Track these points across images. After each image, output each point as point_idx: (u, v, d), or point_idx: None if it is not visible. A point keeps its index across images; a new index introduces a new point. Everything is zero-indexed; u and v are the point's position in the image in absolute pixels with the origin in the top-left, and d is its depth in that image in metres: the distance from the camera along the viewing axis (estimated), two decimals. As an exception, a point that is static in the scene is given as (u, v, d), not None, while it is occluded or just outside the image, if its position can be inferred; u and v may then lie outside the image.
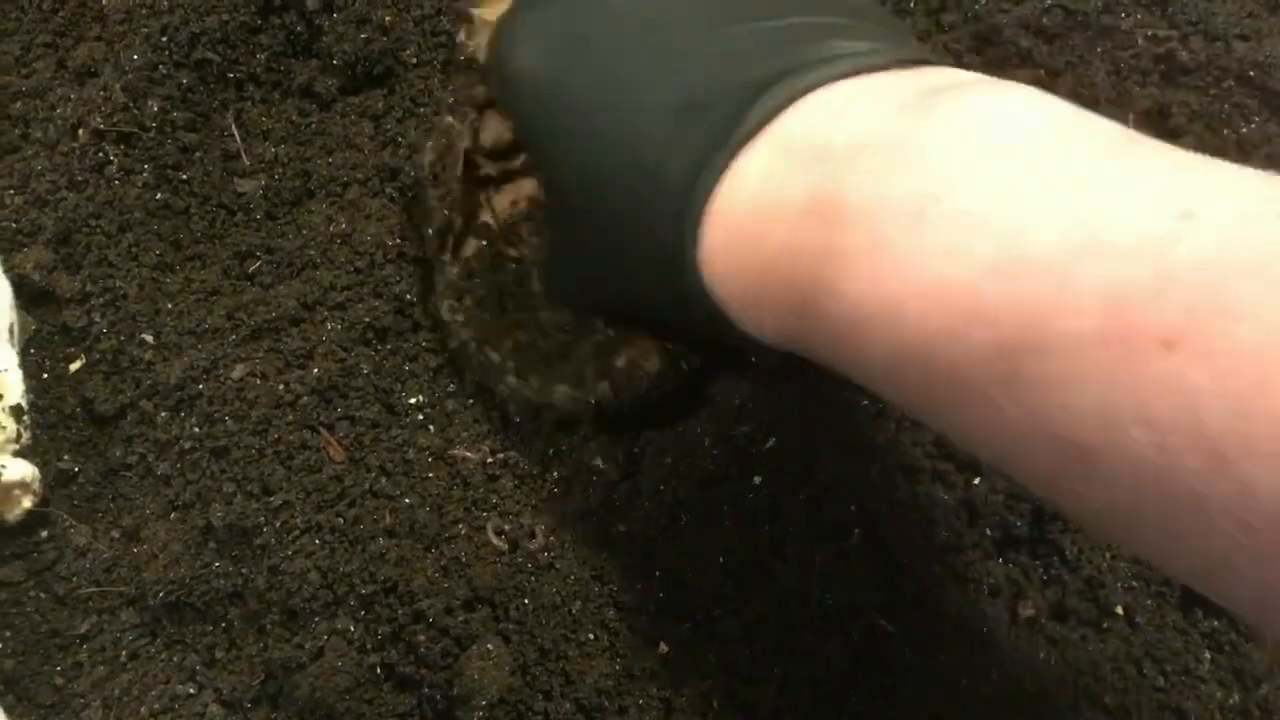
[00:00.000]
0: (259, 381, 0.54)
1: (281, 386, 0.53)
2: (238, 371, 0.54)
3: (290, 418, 0.53)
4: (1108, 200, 0.28)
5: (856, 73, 0.37)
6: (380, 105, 0.66)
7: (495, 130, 0.54)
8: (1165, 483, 0.26)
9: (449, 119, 0.55)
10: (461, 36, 0.57)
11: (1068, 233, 0.28)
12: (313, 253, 0.59)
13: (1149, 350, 0.26)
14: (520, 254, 0.54)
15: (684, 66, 0.40)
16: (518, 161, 0.54)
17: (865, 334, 0.33)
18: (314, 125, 0.65)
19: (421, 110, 0.63)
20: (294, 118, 0.65)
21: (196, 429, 0.53)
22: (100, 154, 0.60)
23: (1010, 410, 0.29)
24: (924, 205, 0.31)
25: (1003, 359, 0.29)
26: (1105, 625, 0.50)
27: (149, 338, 0.56)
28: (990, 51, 0.61)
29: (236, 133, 0.63)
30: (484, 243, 0.55)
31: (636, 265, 0.42)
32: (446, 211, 0.54)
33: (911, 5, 0.62)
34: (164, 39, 0.62)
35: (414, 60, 0.66)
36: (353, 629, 0.50)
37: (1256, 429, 0.24)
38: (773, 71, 0.37)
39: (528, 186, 0.54)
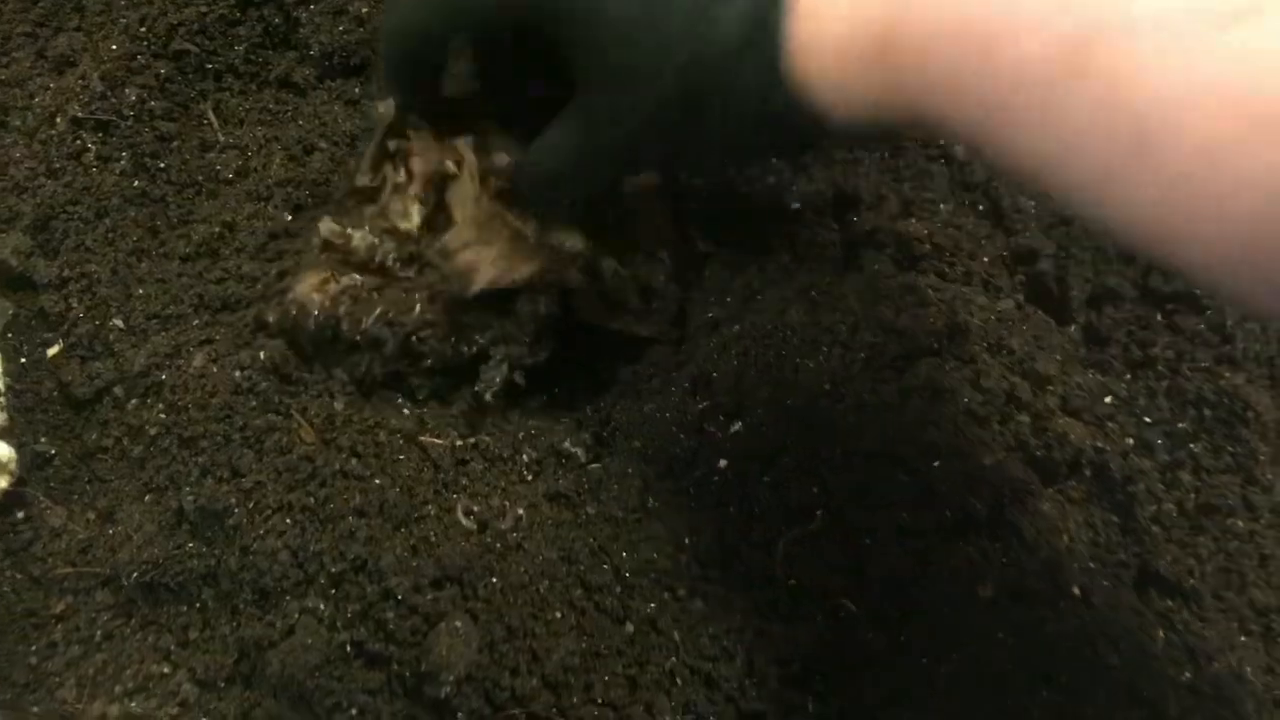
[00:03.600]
0: (216, 369, 0.54)
1: (238, 373, 0.54)
2: (198, 360, 0.55)
3: (253, 403, 0.54)
4: None
5: None
6: (356, 91, 0.67)
7: None
8: (1214, 164, 0.28)
9: None
10: None
11: None
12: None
13: (1218, 24, 0.27)
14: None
15: None
16: None
17: (937, 48, 0.35)
18: (289, 112, 0.66)
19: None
20: (271, 106, 0.66)
21: (163, 415, 0.54)
22: (78, 142, 0.60)
23: (1074, 106, 0.31)
24: None
25: (1073, 53, 0.31)
26: (1062, 606, 0.51)
27: (119, 323, 0.57)
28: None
29: (214, 121, 0.64)
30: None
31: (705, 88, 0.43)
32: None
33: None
34: (142, 29, 0.63)
35: (391, 51, 0.67)
36: (323, 607, 0.51)
37: None
38: None
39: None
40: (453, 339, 0.56)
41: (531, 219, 0.57)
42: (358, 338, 0.55)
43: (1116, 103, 0.30)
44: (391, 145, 0.59)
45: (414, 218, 0.56)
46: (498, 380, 0.56)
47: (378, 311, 0.55)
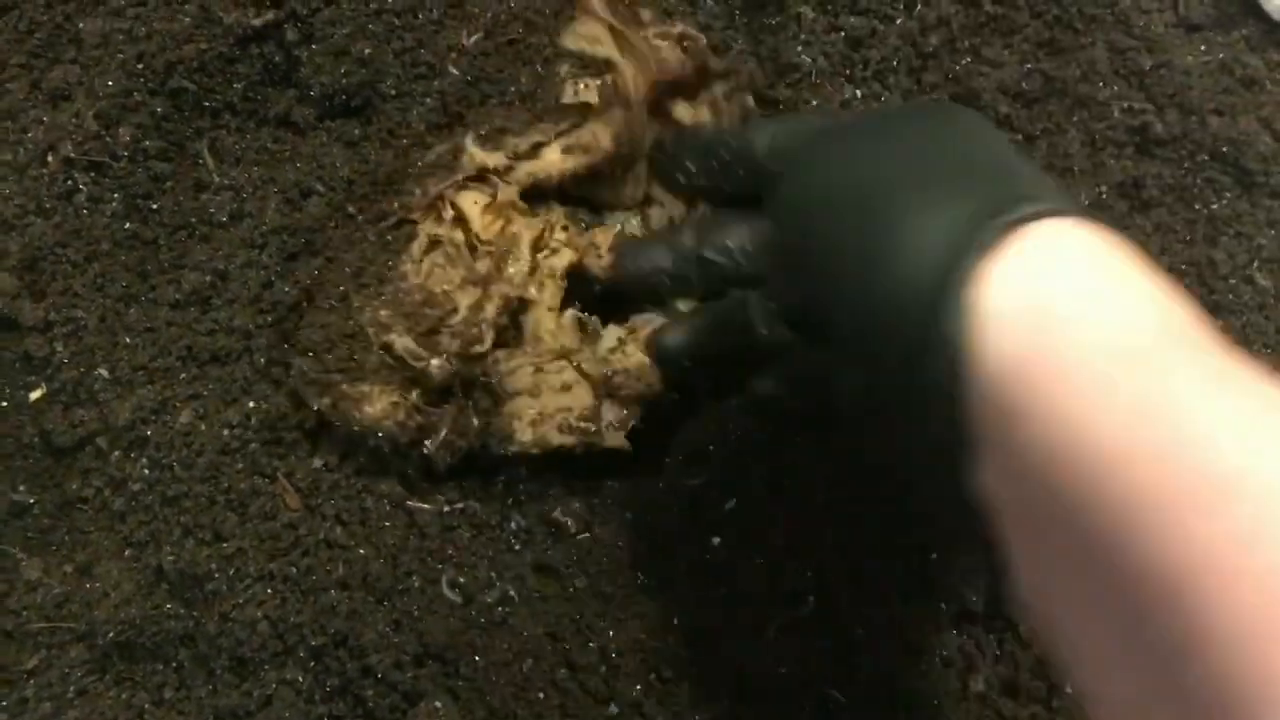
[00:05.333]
0: (204, 427, 0.53)
1: (226, 432, 0.53)
2: (185, 416, 0.54)
3: (239, 465, 0.53)
4: None
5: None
6: (356, 133, 0.66)
7: None
8: None
9: None
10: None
11: None
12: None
13: None
14: None
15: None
16: None
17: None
18: (287, 152, 0.65)
19: (402, 141, 0.63)
20: (269, 145, 0.65)
21: (146, 472, 0.53)
22: (70, 182, 0.59)
23: None
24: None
25: None
26: (1055, 704, 0.51)
27: (105, 372, 0.56)
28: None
29: (210, 161, 0.63)
30: None
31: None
32: None
33: (895, 64, 0.62)
34: (140, 66, 0.61)
35: (393, 92, 0.66)
36: (301, 680, 0.50)
37: None
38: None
39: None
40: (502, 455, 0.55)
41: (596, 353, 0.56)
42: (411, 453, 0.54)
43: None
44: (446, 186, 0.57)
45: (487, 342, 0.54)
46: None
47: (443, 438, 0.53)
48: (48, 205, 0.59)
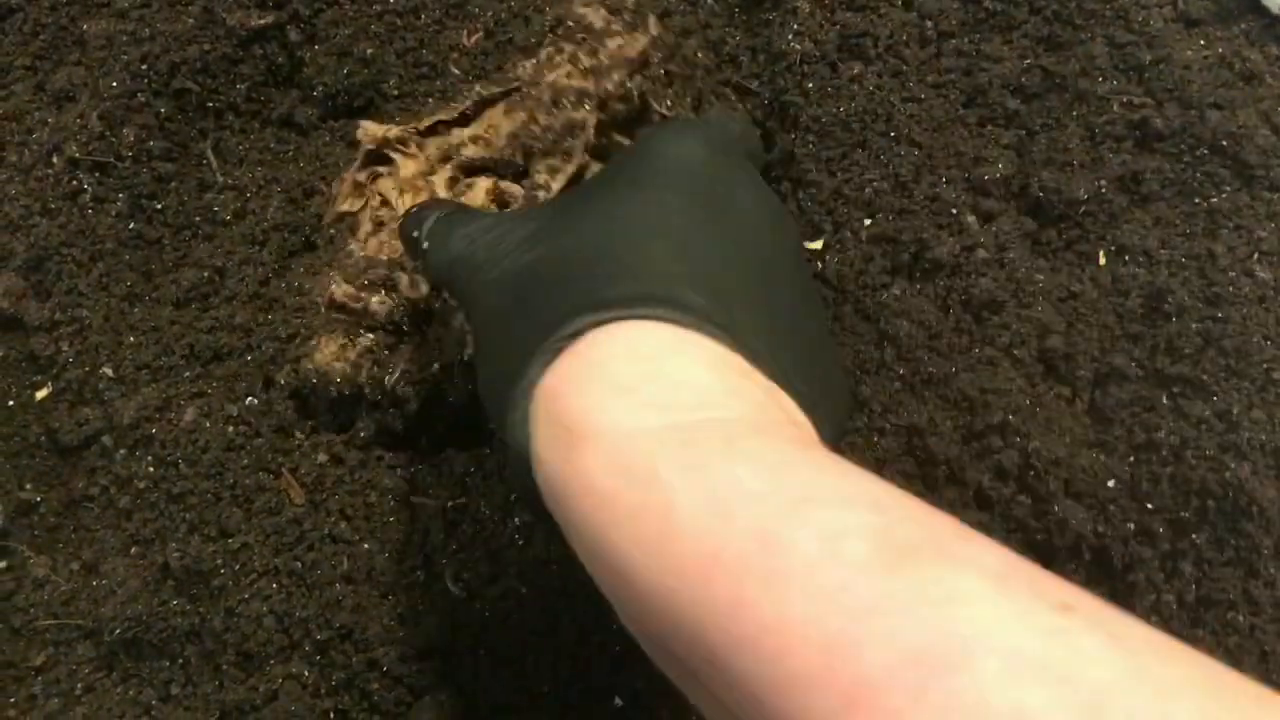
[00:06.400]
0: (209, 424, 0.54)
1: (230, 428, 0.53)
2: (190, 414, 0.54)
3: (244, 461, 0.53)
4: None
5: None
6: (359, 133, 0.66)
7: None
8: None
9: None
10: None
11: None
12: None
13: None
14: None
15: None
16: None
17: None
18: (290, 152, 0.65)
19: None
20: (272, 145, 0.65)
21: (151, 469, 0.54)
22: (74, 182, 0.60)
23: None
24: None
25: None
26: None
27: (109, 371, 0.56)
28: (977, 111, 0.61)
29: (213, 161, 0.63)
30: None
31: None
32: None
33: (893, 59, 0.63)
34: (144, 67, 0.62)
35: (395, 92, 0.66)
36: (307, 674, 0.50)
37: None
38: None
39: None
40: (469, 388, 0.55)
41: None
42: (380, 398, 0.54)
43: None
44: (361, 176, 0.58)
45: (422, 287, 0.55)
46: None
47: (400, 372, 0.54)
48: (53, 206, 0.59)
